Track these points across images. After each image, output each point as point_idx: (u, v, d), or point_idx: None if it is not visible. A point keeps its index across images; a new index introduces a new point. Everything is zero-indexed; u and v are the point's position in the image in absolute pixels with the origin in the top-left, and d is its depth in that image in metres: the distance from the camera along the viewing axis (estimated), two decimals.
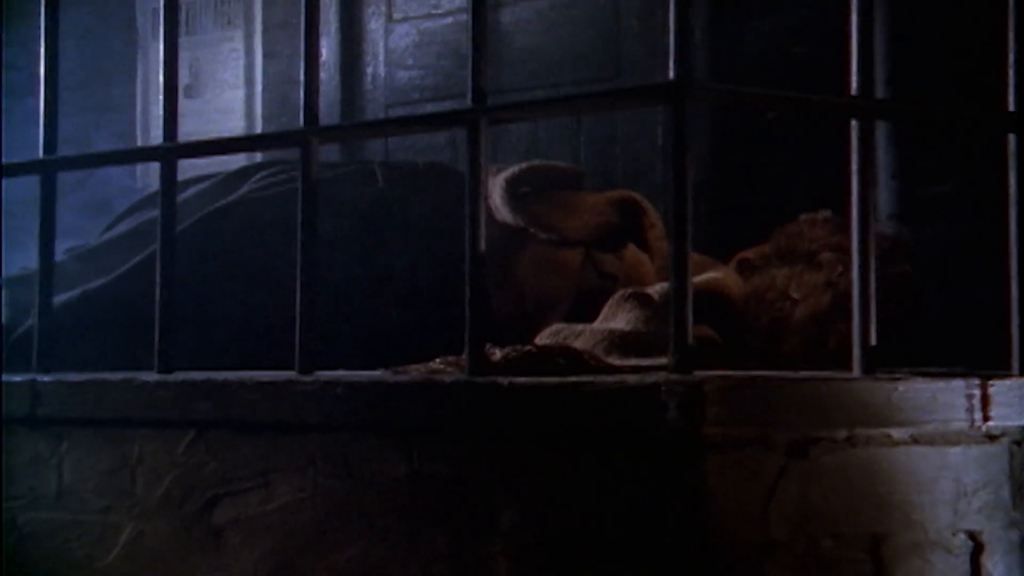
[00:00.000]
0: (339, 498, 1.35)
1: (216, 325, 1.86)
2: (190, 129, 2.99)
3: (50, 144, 1.67)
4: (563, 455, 1.22)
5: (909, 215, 2.30)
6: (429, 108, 2.63)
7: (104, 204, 2.72)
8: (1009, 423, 1.32)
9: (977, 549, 1.30)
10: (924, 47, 2.30)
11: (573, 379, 1.22)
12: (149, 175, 2.98)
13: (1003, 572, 1.31)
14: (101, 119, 3.02)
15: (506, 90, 2.59)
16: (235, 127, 2.85)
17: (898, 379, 1.26)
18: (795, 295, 1.74)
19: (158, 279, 1.53)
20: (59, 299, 1.87)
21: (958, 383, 1.28)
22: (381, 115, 2.68)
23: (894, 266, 1.79)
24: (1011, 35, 1.45)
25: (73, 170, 1.68)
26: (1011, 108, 1.44)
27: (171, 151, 1.56)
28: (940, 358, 1.93)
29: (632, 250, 1.90)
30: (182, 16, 3.03)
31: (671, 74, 1.24)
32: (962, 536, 1.29)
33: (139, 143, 3.01)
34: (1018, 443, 1.33)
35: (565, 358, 1.34)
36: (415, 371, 1.41)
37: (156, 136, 3.24)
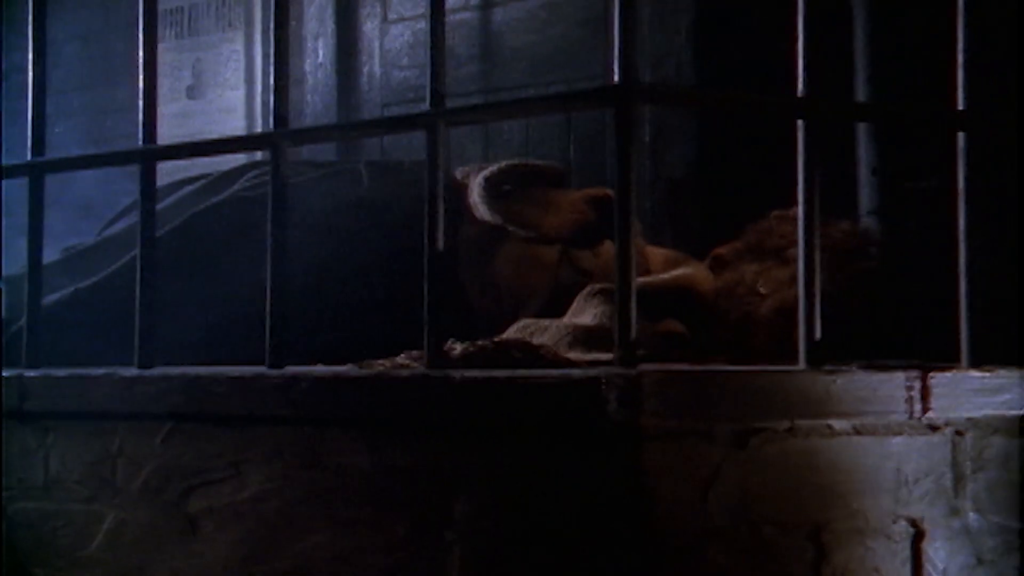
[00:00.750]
0: (306, 488, 1.40)
1: (204, 320, 1.92)
2: (193, 129, 3.06)
3: (38, 147, 1.73)
4: (513, 446, 1.27)
5: (890, 210, 2.33)
6: (422, 106, 2.68)
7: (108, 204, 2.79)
8: (952, 414, 1.36)
9: (918, 536, 1.34)
10: (904, 45, 2.33)
11: (521, 373, 1.27)
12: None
13: (944, 558, 1.35)
14: (107, 120, 3.09)
15: (499, 88, 2.64)
16: (236, 126, 2.91)
17: (837, 372, 1.31)
18: (763, 290, 1.78)
19: (138, 279, 1.59)
20: (52, 297, 1.94)
21: (897, 376, 1.32)
22: (377, 114, 2.74)
23: (858, 261, 1.83)
24: (960, 36, 1.49)
25: (60, 172, 1.74)
26: (960, 107, 1.48)
27: (149, 154, 1.62)
28: (920, 350, 1.97)
29: (608, 246, 1.95)
30: (184, 18, 3.11)
31: (616, 77, 1.29)
32: (903, 523, 1.33)
33: (140, 143, 3.08)
34: (961, 433, 1.37)
35: (521, 352, 1.40)
36: (381, 365, 1.47)
37: (160, 136, 3.32)
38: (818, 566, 1.28)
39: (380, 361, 1.48)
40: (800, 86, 1.39)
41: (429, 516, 1.32)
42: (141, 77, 1.64)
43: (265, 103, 2.90)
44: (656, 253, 2.00)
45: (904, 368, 1.35)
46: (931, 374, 1.34)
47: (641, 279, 1.86)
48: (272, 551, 1.42)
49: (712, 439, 1.24)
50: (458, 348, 1.40)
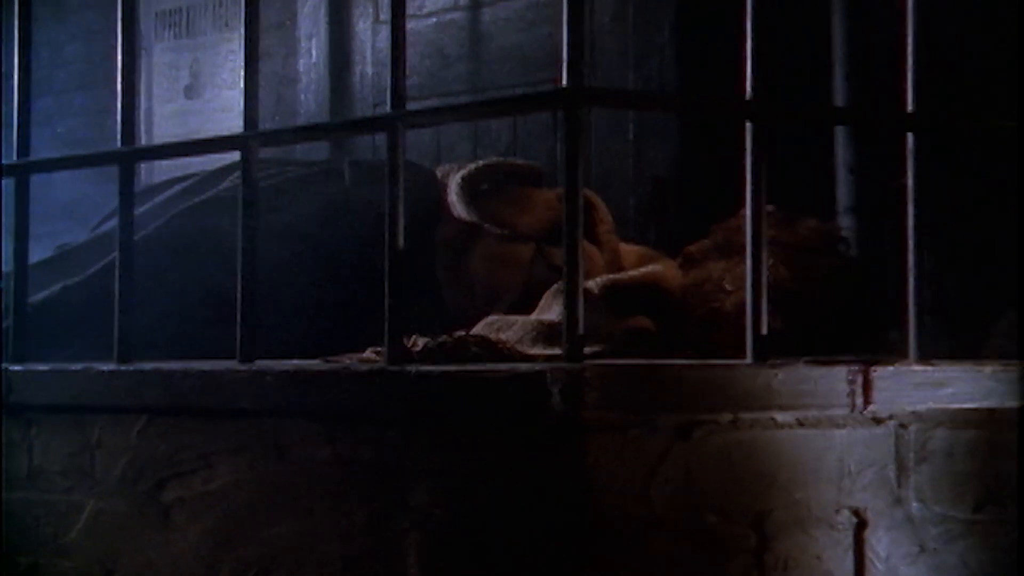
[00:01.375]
0: (271, 479, 1.46)
1: (191, 316, 1.97)
2: (191, 128, 3.12)
3: (23, 148, 1.79)
4: (465, 437, 1.32)
5: (867, 208, 2.37)
6: (412, 105, 2.73)
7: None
8: (896, 407, 1.39)
9: (861, 525, 1.38)
10: (882, 44, 2.37)
11: (472, 368, 1.32)
12: (153, 173, 3.11)
13: (887, 546, 1.39)
14: (107, 119, 3.14)
15: (487, 88, 2.69)
16: (233, 125, 2.94)
17: (780, 366, 1.35)
18: (729, 287, 1.82)
19: (117, 277, 1.64)
20: (42, 294, 2.00)
21: (839, 370, 1.36)
22: (369, 112, 2.79)
23: (823, 258, 1.87)
24: (908, 39, 1.52)
25: (43, 172, 1.80)
26: (909, 109, 1.51)
27: (128, 155, 1.67)
28: (895, 345, 2.00)
29: (583, 244, 1.99)
30: (182, 19, 3.17)
31: (564, 80, 1.33)
32: (846, 513, 1.37)
33: (143, 142, 3.15)
34: (904, 426, 1.41)
35: (479, 347, 1.44)
36: (348, 360, 1.52)
37: (160, 135, 3.39)
38: (760, 554, 1.32)
39: (347, 356, 1.53)
40: (747, 89, 1.42)
41: (386, 506, 1.37)
42: (119, 80, 1.69)
43: (262, 102, 2.95)
44: (629, 250, 2.04)
45: (848, 362, 1.39)
46: (873, 368, 1.37)
47: (610, 276, 1.91)
48: (239, 540, 1.48)
49: (655, 431, 1.28)
50: (420, 343, 1.45)
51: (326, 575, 1.41)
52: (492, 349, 1.45)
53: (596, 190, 2.64)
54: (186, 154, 1.68)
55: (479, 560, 1.31)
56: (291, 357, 1.65)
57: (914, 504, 1.41)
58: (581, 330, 1.30)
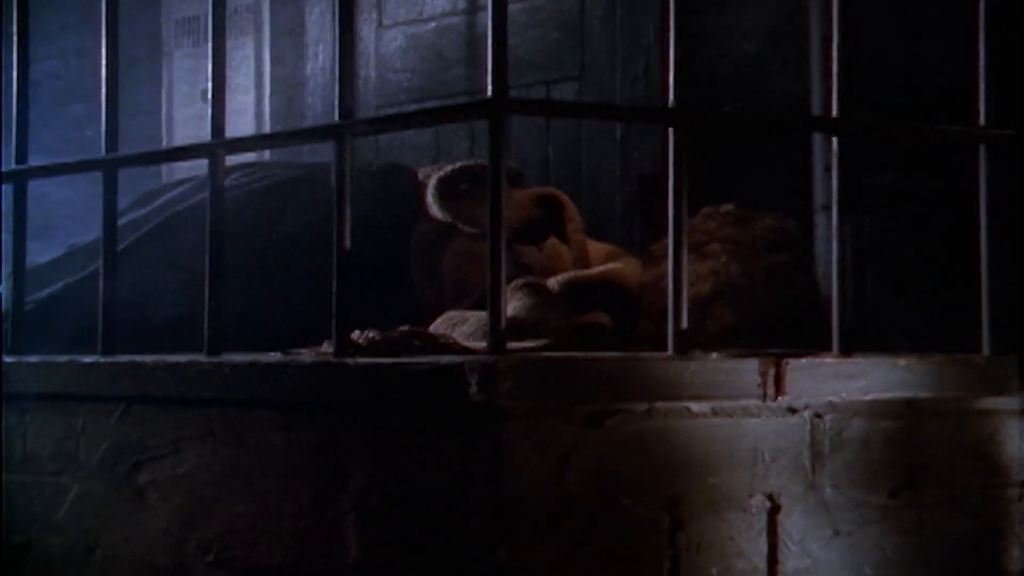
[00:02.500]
0: (230, 463, 1.57)
1: (185, 311, 2.10)
2: (208, 131, 3.25)
3: (21, 155, 1.92)
4: (397, 424, 1.42)
5: (846, 205, 2.42)
6: (412, 108, 2.85)
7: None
8: (811, 399, 1.47)
9: (774, 509, 1.46)
10: (872, 54, 2.42)
11: (402, 360, 1.42)
12: (173, 172, 3.26)
13: (801, 529, 1.47)
14: (130, 123, 3.30)
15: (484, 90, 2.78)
16: (247, 128, 3.10)
17: (694, 359, 1.43)
18: None
19: (101, 277, 1.77)
20: (47, 291, 2.14)
21: (751, 362, 1.44)
22: (371, 114, 2.90)
23: (774, 255, 1.94)
24: (834, 44, 1.59)
25: (36, 179, 1.93)
26: (834, 114, 1.58)
27: (112, 162, 1.79)
28: (875, 340, 2.07)
29: (552, 242, 2.08)
30: (199, 26, 3.31)
31: (488, 91, 1.42)
32: (760, 497, 1.45)
33: (164, 144, 3.30)
34: (820, 416, 1.49)
35: (421, 341, 1.54)
36: (305, 353, 1.63)
37: (180, 137, 3.54)
38: (674, 534, 1.41)
39: (303, 349, 1.64)
40: (670, 96, 1.51)
41: (329, 488, 1.48)
42: (104, 91, 1.81)
43: (273, 105, 3.09)
44: (597, 248, 2.13)
45: (764, 355, 1.47)
46: (786, 361, 1.45)
47: (571, 273, 2.00)
48: (203, 519, 1.60)
49: (570, 419, 1.37)
50: (367, 337, 1.55)
51: (277, 551, 1.52)
52: (434, 343, 1.55)
53: (586, 187, 2.73)
54: (166, 161, 1.80)
55: (410, 539, 1.41)
56: (279, 348, 1.76)
57: (828, 490, 1.48)
58: (503, 325, 1.40)
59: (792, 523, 1.46)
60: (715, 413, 1.44)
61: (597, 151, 2.60)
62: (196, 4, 3.14)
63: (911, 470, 1.52)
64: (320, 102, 3.01)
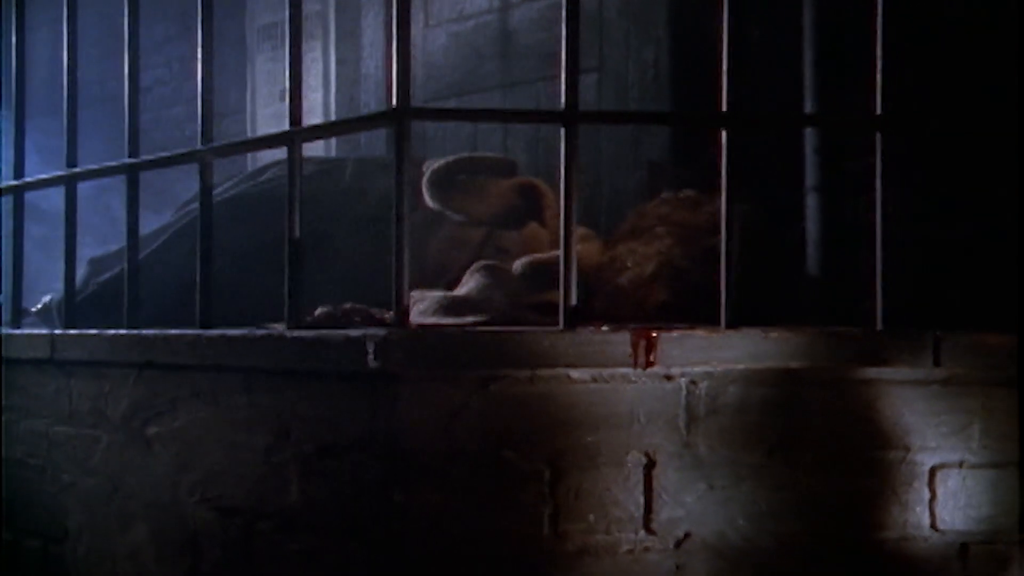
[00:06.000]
0: (210, 419, 1.87)
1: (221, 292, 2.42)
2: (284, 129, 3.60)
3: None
4: (323, 387, 1.69)
5: (831, 187, 2.53)
6: (452, 102, 3.09)
7: None
8: (687, 367, 1.64)
9: (650, 465, 1.65)
10: (848, 54, 2.52)
11: (323, 332, 1.68)
12: (258, 160, 3.60)
13: (675, 483, 1.65)
14: (221, 123, 3.68)
15: (515, 83, 3.00)
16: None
17: (573, 331, 1.63)
18: (629, 264, 2.09)
19: (126, 267, 2.09)
20: (106, 275, 2.50)
21: (623, 335, 1.63)
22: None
23: (716, 237, 2.09)
24: (724, 42, 1.75)
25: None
26: (724, 108, 1.75)
27: (134, 167, 2.11)
28: (857, 317, 2.22)
29: (531, 228, 2.30)
30: (277, 32, 3.65)
31: (394, 101, 1.66)
32: (636, 454, 1.64)
33: None
34: (695, 383, 1.66)
35: (360, 317, 1.80)
36: (273, 328, 1.91)
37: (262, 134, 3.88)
38: (554, 485, 1.62)
39: (276, 324, 1.92)
40: (563, 98, 1.70)
41: (277, 440, 1.76)
42: (127, 99, 2.10)
43: (337, 103, 3.40)
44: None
45: (639, 329, 1.65)
46: (656, 333, 1.63)
47: (533, 256, 2.21)
48: (191, 465, 1.90)
49: (457, 383, 1.60)
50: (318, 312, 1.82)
51: (241, 492, 1.81)
52: (372, 318, 1.80)
53: (604, 173, 2.91)
54: (151, 168, 2.07)
55: (333, 484, 1.67)
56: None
57: (703, 449, 1.66)
58: (406, 302, 1.64)
59: (667, 477, 1.65)
60: (594, 380, 1.64)
61: (612, 139, 2.78)
62: (275, 12, 3.46)
63: (788, 433, 1.68)
64: (374, 99, 3.29)
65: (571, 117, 1.69)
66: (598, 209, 2.82)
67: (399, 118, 1.65)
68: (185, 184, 2.77)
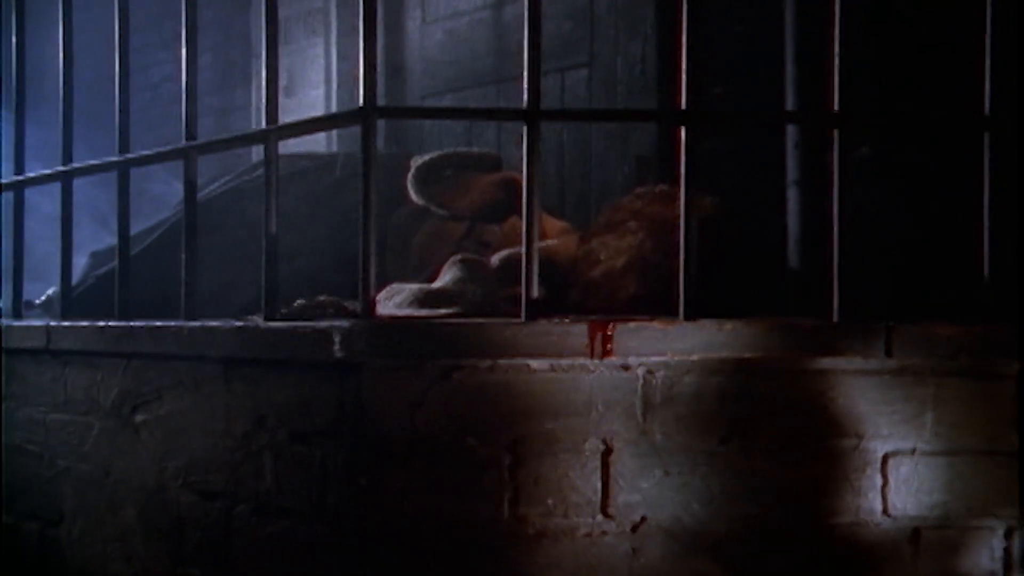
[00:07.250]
0: (192, 407, 1.95)
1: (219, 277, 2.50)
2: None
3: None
4: (293, 375, 1.76)
5: (811, 181, 2.58)
6: (448, 97, 3.16)
7: None
8: (644, 358, 1.70)
9: (607, 451, 1.71)
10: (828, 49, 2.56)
11: (294, 324, 1.75)
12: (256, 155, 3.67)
13: (632, 469, 1.71)
14: (229, 118, 3.76)
15: (507, 78, 3.06)
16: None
17: (529, 322, 1.69)
18: (602, 258, 2.14)
19: (116, 262, 2.17)
20: (101, 270, 2.58)
21: (580, 326, 1.69)
22: (417, 103, 3.23)
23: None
24: (683, 42, 1.80)
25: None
26: (683, 107, 1.80)
27: (124, 163, 2.19)
28: (841, 307, 2.26)
29: (512, 222, 2.36)
30: (280, 28, 3.71)
31: (360, 100, 1.72)
32: (594, 441, 1.70)
33: None
34: (652, 372, 1.72)
35: (333, 308, 1.87)
36: (251, 319, 1.98)
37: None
38: (515, 470, 1.69)
39: (255, 316, 1.99)
40: (525, 98, 1.76)
41: (253, 427, 1.83)
42: (116, 100, 2.19)
43: (339, 99, 3.47)
44: (554, 224, 2.39)
45: (597, 321, 1.71)
46: (613, 325, 1.69)
47: (507, 250, 2.27)
48: (175, 451, 1.98)
49: (420, 372, 1.67)
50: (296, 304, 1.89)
51: (221, 477, 1.89)
52: (344, 310, 1.87)
53: (594, 167, 2.96)
54: (137, 165, 2.15)
55: (303, 469, 1.74)
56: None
57: (659, 436, 1.72)
58: (372, 294, 1.70)
59: (624, 464, 1.71)
60: (553, 369, 1.70)
61: (603, 135, 2.84)
62: (280, 7, 3.53)
63: (743, 421, 1.74)
64: (381, 94, 3.37)
65: (532, 115, 1.75)
66: (588, 203, 2.89)
67: (365, 116, 1.72)
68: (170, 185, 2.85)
